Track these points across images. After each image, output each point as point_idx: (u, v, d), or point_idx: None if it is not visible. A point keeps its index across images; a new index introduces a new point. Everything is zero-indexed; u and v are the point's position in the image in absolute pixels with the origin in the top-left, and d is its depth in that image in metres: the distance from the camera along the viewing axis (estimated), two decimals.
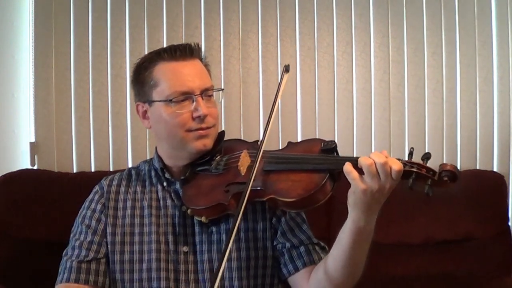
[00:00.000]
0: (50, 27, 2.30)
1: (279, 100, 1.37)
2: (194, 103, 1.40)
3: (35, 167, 2.29)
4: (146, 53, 2.25)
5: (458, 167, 2.38)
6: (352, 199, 1.19)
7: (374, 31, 2.43)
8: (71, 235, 1.48)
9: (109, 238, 1.44)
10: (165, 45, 2.29)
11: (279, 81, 1.39)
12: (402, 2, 2.42)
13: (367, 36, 2.43)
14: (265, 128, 1.33)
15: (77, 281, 1.37)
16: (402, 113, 2.44)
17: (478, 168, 2.41)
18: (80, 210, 1.51)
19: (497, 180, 2.18)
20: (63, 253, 1.44)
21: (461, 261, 2.07)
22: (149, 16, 2.35)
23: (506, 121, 2.45)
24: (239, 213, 1.18)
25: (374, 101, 2.43)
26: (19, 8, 2.30)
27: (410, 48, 2.43)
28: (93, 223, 1.46)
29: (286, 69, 1.41)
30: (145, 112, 1.47)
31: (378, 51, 2.43)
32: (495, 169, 2.42)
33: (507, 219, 2.16)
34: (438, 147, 2.44)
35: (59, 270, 1.42)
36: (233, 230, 1.16)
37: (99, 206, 1.48)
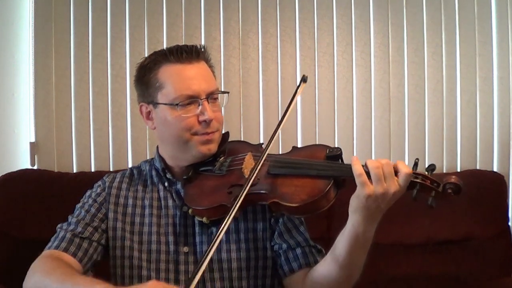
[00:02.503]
0: (50, 27, 2.30)
1: (290, 109, 1.36)
2: (200, 107, 1.39)
3: (35, 167, 2.29)
4: (146, 53, 2.28)
5: (458, 167, 2.42)
6: (355, 204, 1.18)
7: (374, 31, 2.43)
8: (69, 216, 1.47)
9: (110, 233, 1.45)
10: (165, 45, 2.32)
11: (295, 90, 1.40)
12: (402, 2, 2.42)
13: (367, 36, 2.43)
14: (272, 135, 1.32)
15: (66, 250, 1.37)
16: (402, 113, 2.44)
17: (478, 168, 2.41)
18: (82, 199, 1.52)
19: (497, 180, 2.18)
20: (57, 226, 1.44)
21: (461, 261, 2.07)
22: (149, 16, 2.35)
23: (506, 121, 2.45)
24: (232, 210, 1.18)
25: (374, 101, 2.43)
26: (19, 8, 2.29)
27: (410, 48, 2.43)
28: (93, 210, 1.46)
29: (304, 79, 1.40)
30: (149, 113, 1.46)
31: (378, 51, 2.43)
32: (495, 169, 2.42)
33: (507, 219, 2.17)
34: (438, 147, 2.44)
35: (51, 238, 1.41)
36: (223, 227, 1.15)
37: (100, 199, 1.49)
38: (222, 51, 2.38)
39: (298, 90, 1.39)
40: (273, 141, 1.32)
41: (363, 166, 1.17)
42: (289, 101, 1.38)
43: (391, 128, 2.44)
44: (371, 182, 1.15)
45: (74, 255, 1.37)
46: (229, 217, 1.18)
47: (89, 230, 1.42)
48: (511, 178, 2.42)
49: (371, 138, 2.44)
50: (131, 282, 1.41)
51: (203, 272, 1.38)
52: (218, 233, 1.16)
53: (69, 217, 1.47)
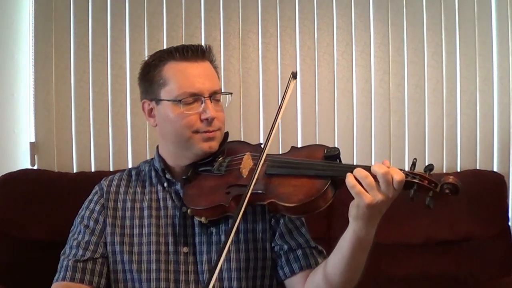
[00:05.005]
0: (50, 27, 2.30)
1: (284, 107, 1.36)
2: (203, 105, 1.39)
3: (35, 167, 2.29)
4: (146, 53, 2.29)
5: (458, 167, 2.42)
6: (355, 212, 1.18)
7: (374, 31, 2.42)
8: (70, 234, 1.48)
9: (108, 238, 1.44)
10: (165, 45, 2.32)
11: (286, 87, 1.39)
12: (402, 2, 2.42)
13: (367, 36, 2.42)
14: (269, 134, 1.32)
15: (72, 279, 1.38)
16: (402, 113, 2.44)
17: (478, 168, 2.40)
18: (80, 210, 1.51)
19: (497, 180, 2.18)
20: (61, 252, 1.45)
21: (461, 261, 2.07)
22: (149, 16, 2.35)
23: (506, 121, 2.45)
24: (237, 216, 1.18)
25: (374, 101, 2.43)
26: (19, 8, 2.29)
27: (410, 48, 2.43)
28: (91, 223, 1.46)
29: (294, 76, 1.40)
30: (151, 110, 1.46)
31: (378, 51, 2.43)
32: (495, 169, 2.42)
33: (507, 219, 2.16)
34: (438, 147, 2.44)
35: (58, 267, 1.42)
36: (231, 232, 1.16)
37: (98, 207, 1.48)
38: (222, 51, 2.38)
39: (288, 89, 1.38)
40: (272, 142, 1.32)
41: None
42: (280, 101, 1.38)
43: (391, 128, 2.44)
44: (367, 191, 1.15)
45: (82, 281, 1.38)
46: (234, 222, 1.18)
47: (90, 249, 1.42)
48: (511, 178, 2.42)
49: (371, 138, 2.44)
50: (132, 285, 1.41)
51: (202, 273, 1.40)
52: (226, 241, 1.16)
53: (70, 238, 1.47)
